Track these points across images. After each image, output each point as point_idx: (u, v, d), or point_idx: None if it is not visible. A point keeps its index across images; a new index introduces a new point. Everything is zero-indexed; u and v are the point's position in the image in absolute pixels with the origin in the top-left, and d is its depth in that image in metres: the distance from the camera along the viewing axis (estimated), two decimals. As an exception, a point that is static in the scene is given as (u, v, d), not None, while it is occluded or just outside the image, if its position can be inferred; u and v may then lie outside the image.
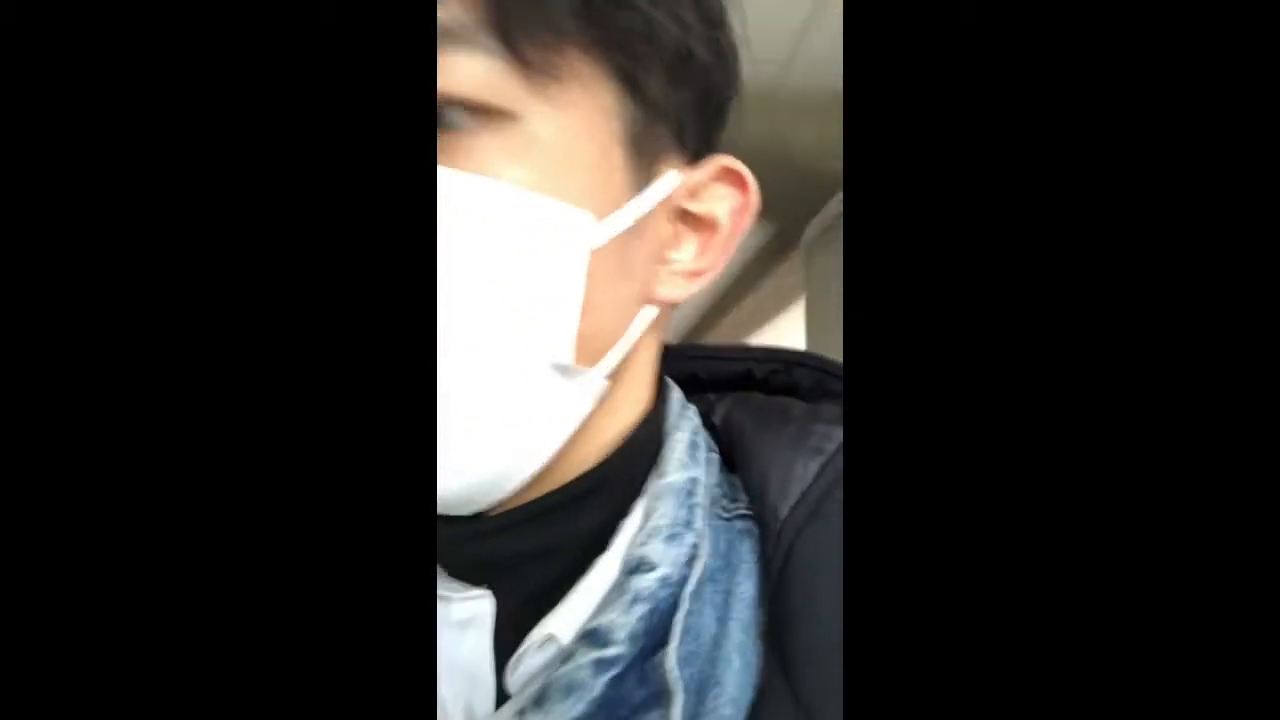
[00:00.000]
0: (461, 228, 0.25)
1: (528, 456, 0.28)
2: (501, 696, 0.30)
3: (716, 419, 0.36)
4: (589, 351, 0.28)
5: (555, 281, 0.27)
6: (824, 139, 1.62)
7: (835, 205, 1.89)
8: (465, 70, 0.24)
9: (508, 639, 0.30)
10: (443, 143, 0.25)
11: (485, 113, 0.25)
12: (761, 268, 2.52)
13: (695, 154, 0.31)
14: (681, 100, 0.29)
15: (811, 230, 2.03)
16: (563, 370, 0.27)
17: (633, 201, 0.29)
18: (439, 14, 0.23)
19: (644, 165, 0.29)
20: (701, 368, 0.40)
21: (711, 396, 0.37)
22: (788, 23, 1.32)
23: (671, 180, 0.30)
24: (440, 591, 0.31)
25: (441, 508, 0.28)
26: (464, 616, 0.31)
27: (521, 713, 0.27)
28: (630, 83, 0.27)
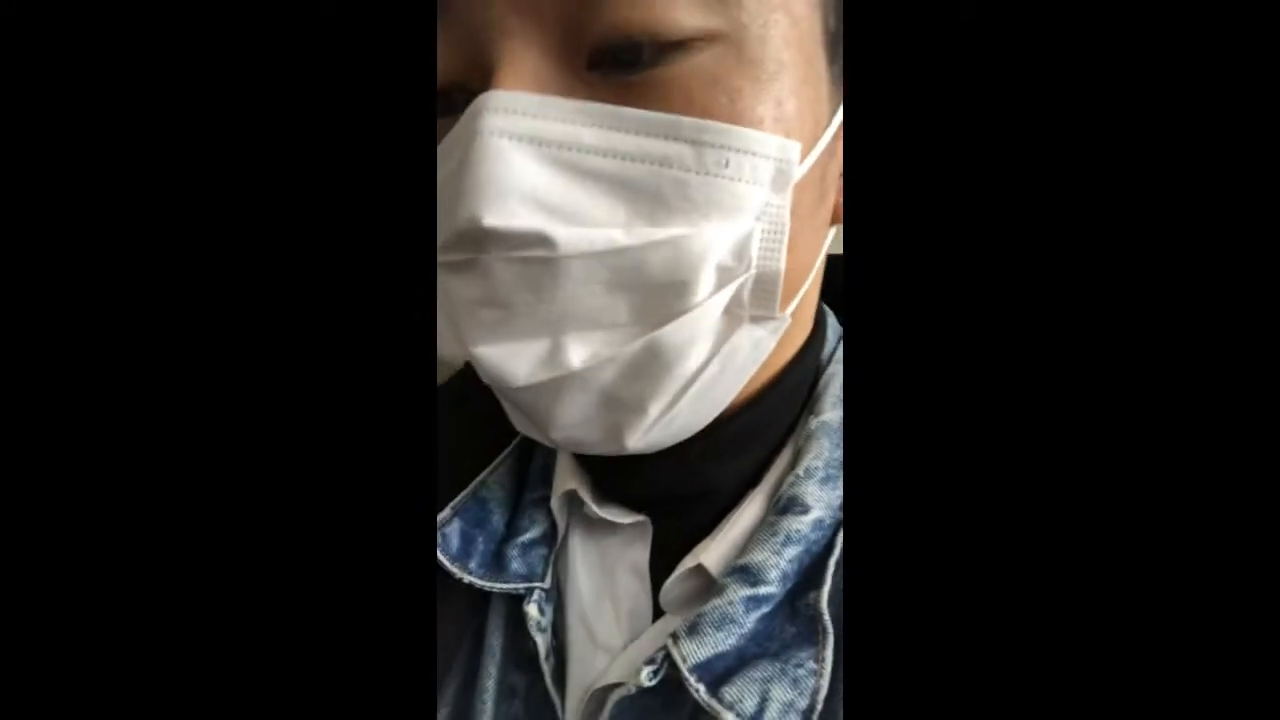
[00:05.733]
0: (658, 174, 0.22)
1: (720, 402, 0.27)
2: (657, 612, 0.31)
3: None
4: (786, 292, 0.26)
5: (761, 228, 0.24)
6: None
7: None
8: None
9: (664, 564, 0.30)
10: (632, 83, 0.22)
11: (681, 43, 0.22)
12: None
13: None
14: None
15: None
16: (762, 320, 0.25)
17: (836, 114, 0.25)
18: None
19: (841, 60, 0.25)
20: None
21: None
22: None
23: None
24: (605, 515, 0.32)
25: (632, 448, 0.27)
26: (626, 538, 0.32)
27: (675, 637, 0.27)
28: None
